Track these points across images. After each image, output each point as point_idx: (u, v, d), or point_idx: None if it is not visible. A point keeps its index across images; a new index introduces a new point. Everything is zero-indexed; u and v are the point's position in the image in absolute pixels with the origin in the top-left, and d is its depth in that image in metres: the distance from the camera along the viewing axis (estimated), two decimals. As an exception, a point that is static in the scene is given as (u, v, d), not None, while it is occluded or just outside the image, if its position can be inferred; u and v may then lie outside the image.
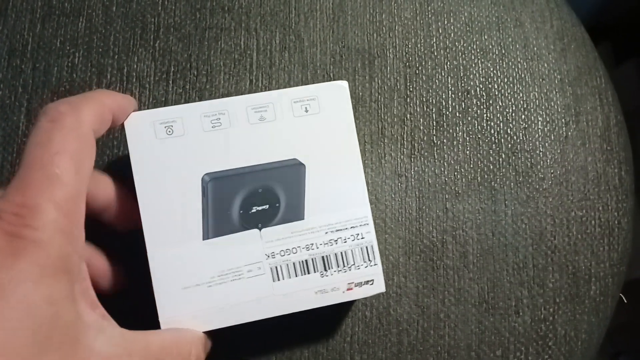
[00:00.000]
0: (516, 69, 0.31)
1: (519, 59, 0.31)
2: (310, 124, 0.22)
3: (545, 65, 0.31)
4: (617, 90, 0.33)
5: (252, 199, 0.22)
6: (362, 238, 0.22)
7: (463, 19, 0.31)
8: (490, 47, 0.31)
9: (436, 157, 0.30)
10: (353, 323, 0.28)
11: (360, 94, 0.30)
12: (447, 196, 0.29)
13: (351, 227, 0.22)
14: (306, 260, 0.22)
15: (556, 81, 0.31)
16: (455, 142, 0.30)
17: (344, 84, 0.23)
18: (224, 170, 0.22)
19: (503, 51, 0.31)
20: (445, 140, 0.30)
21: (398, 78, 0.30)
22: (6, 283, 0.17)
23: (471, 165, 0.30)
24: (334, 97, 0.23)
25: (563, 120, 0.31)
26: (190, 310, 0.21)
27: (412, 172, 0.29)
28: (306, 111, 0.22)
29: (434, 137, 0.30)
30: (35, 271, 0.17)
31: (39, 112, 0.20)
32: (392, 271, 0.28)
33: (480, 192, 0.29)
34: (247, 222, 0.22)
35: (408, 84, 0.30)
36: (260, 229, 0.22)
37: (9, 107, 0.29)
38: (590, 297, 0.29)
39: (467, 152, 0.30)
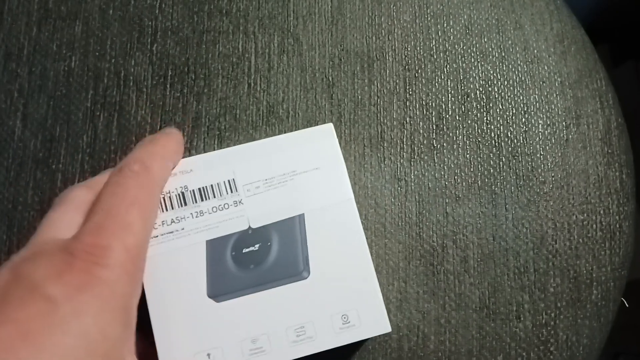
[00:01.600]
0: (516, 72, 0.31)
1: (518, 62, 0.31)
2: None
3: (546, 68, 0.31)
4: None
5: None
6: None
7: (462, 21, 0.31)
8: (490, 49, 0.31)
9: (436, 161, 0.29)
10: (353, 329, 0.27)
11: (360, 97, 0.30)
12: (447, 200, 0.29)
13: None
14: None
15: (556, 84, 0.31)
16: (455, 146, 0.30)
17: None
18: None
19: (503, 54, 0.31)
20: (445, 144, 0.30)
21: (397, 81, 0.30)
22: (69, 313, 0.18)
23: (471, 169, 0.29)
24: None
25: (564, 123, 0.30)
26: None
27: (412, 176, 0.29)
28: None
29: (434, 141, 0.30)
30: (97, 305, 0.18)
31: (113, 171, 0.22)
32: (392, 276, 0.28)
33: (481, 196, 0.29)
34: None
35: (407, 87, 0.30)
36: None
37: (4, 112, 0.29)
38: (592, 302, 0.29)
39: (467, 155, 0.30)
